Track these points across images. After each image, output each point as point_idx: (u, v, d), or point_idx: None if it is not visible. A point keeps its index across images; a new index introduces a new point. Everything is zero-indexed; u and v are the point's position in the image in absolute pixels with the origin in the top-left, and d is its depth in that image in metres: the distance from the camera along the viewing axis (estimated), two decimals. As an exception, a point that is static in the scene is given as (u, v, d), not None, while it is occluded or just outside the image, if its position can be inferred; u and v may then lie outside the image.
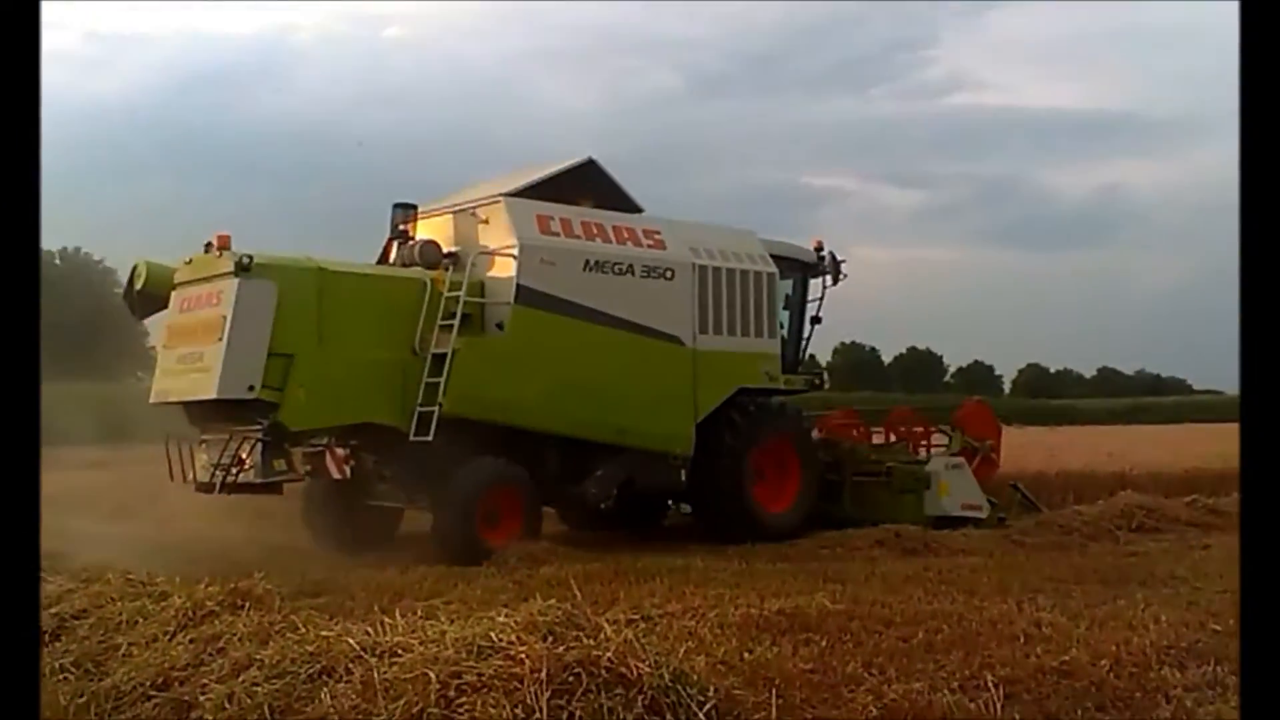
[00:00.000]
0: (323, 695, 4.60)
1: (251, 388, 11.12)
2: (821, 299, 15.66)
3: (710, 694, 4.22)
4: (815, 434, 15.80)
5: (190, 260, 12.20)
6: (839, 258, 15.52)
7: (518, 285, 12.34)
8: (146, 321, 13.47)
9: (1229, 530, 14.18)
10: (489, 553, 11.28)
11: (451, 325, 12.03)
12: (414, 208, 13.25)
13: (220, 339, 11.17)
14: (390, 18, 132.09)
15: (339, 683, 4.67)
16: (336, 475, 11.61)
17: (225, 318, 11.20)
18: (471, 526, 11.68)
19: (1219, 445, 21.90)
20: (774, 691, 5.22)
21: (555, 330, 12.61)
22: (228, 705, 4.84)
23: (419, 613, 5.60)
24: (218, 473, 11.38)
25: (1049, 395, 78.08)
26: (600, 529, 14.30)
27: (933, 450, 15.93)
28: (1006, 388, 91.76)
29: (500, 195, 12.93)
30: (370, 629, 5.05)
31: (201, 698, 5.06)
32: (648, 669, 4.18)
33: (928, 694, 5.77)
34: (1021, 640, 7.06)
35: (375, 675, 4.51)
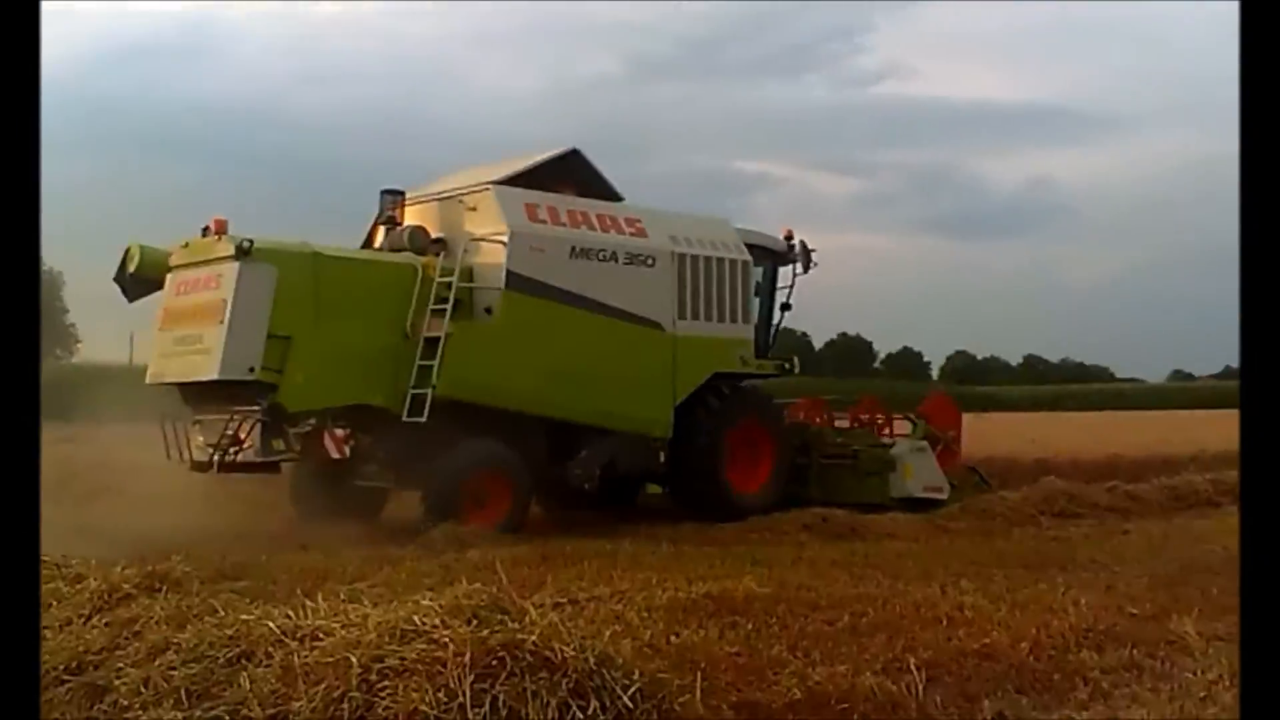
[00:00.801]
0: (241, 679, 4.53)
1: (252, 369, 11.42)
2: (792, 286, 16.10)
3: (635, 677, 4.22)
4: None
5: (187, 244, 12.45)
6: (810, 247, 15.97)
7: (508, 271, 12.70)
8: (137, 304, 13.38)
9: (1147, 515, 14.55)
10: (474, 525, 11.59)
11: (444, 310, 12.36)
12: (401, 194, 13.55)
13: (221, 321, 11.44)
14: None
15: (258, 667, 4.60)
16: (335, 455, 11.91)
17: (226, 301, 11.47)
18: (457, 508, 11.87)
19: (1139, 432, 22.43)
20: (699, 674, 5.25)
21: (543, 315, 12.99)
22: (144, 689, 4.75)
23: (342, 596, 5.54)
24: (214, 452, 11.70)
25: (976, 382, 79.26)
26: (577, 510, 14.41)
27: (895, 436, 16.31)
28: (935, 374, 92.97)
29: (489, 183, 13.29)
30: (291, 613, 4.97)
31: (117, 681, 4.96)
32: (573, 652, 4.17)
33: (851, 676, 5.82)
34: (944, 623, 7.16)
35: (295, 659, 4.45)
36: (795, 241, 15.96)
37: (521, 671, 4.07)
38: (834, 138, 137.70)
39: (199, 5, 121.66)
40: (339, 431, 11.95)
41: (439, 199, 13.67)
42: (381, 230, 13.55)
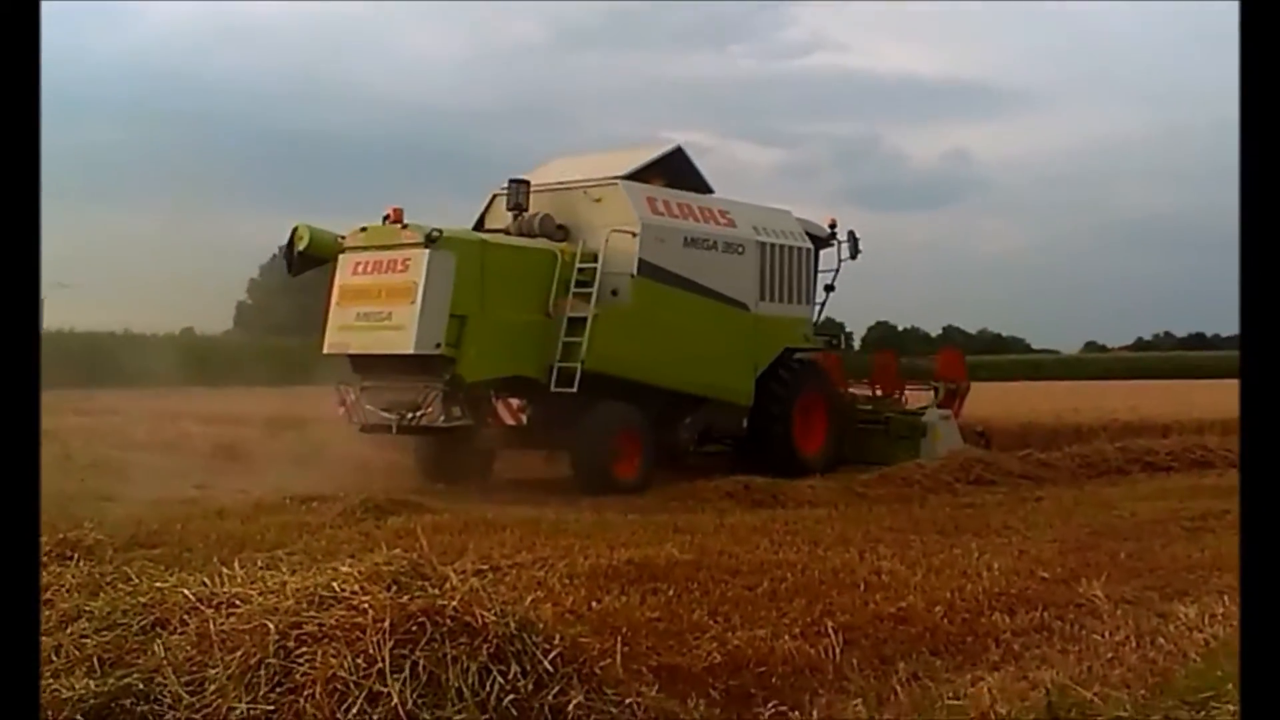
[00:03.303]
0: (156, 647, 4.45)
1: (438, 345, 12.91)
2: (837, 271, 17.58)
3: (556, 642, 4.22)
4: None
5: (364, 229, 13.96)
6: (856, 235, 17.51)
7: (639, 260, 14.31)
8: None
9: (1059, 483, 14.85)
10: (619, 484, 13.35)
11: (587, 293, 13.91)
12: (527, 183, 14.76)
13: (413, 302, 12.92)
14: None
15: (173, 634, 4.52)
16: (511, 422, 13.95)
17: (417, 284, 12.93)
18: (607, 462, 13.62)
19: (1052, 401, 22.86)
20: (620, 639, 5.26)
21: (663, 298, 14.69)
22: (55, 658, 4.64)
23: (260, 563, 5.46)
24: (396, 416, 13.21)
25: (897, 352, 80.00)
26: (672, 465, 15.28)
27: (913, 401, 18.27)
28: (857, 344, 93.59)
29: (616, 178, 14.80)
30: (207, 580, 4.89)
31: (27, 651, 4.86)
32: (493, 618, 4.16)
33: (770, 640, 5.90)
34: (861, 588, 7.28)
35: (211, 626, 4.37)
36: (838, 230, 17.46)
37: (441, 637, 4.05)
38: (759, 109, 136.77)
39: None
40: (514, 401, 13.75)
41: (562, 189, 15.03)
42: (509, 215, 14.68)
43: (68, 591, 5.38)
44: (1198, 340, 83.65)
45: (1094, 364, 66.58)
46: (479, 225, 15.13)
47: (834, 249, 17.51)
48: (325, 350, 14.00)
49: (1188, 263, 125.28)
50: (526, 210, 14.61)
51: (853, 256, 17.52)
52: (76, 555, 6.22)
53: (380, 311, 13.33)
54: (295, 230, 14.28)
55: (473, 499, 12.26)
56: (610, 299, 14.18)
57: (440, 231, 13.17)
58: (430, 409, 13.09)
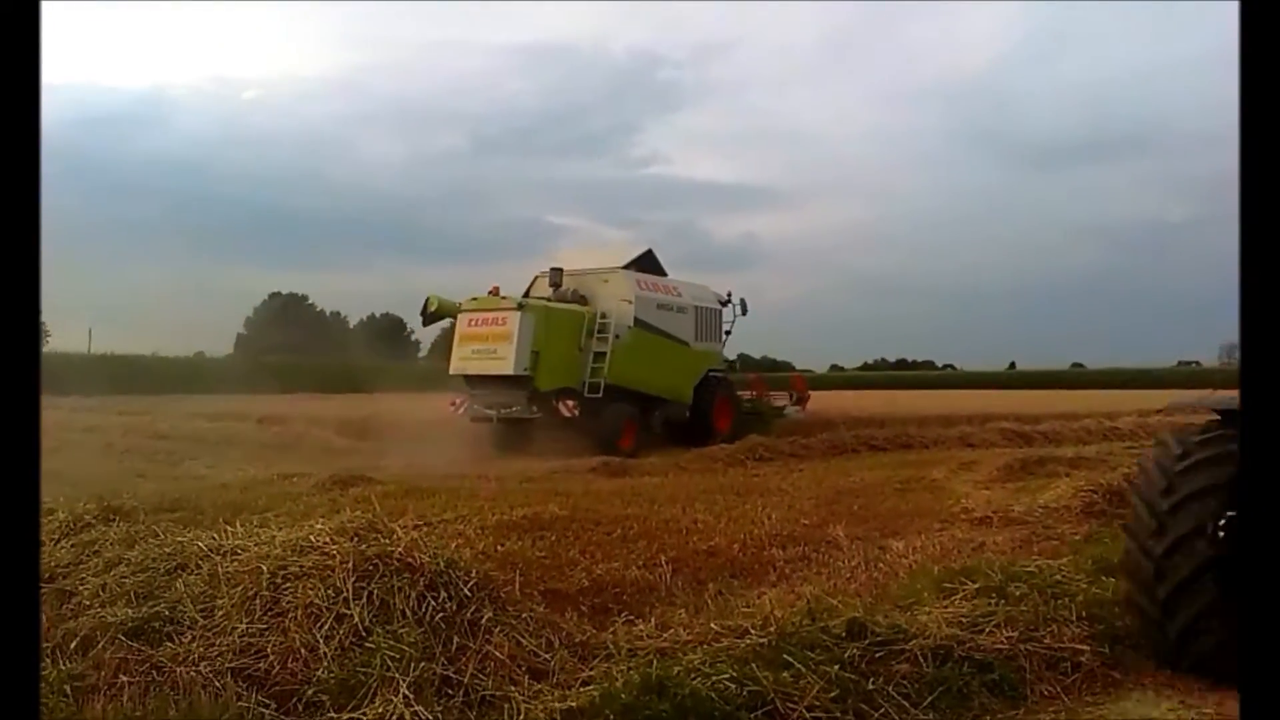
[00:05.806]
0: (178, 585, 4.24)
1: (525, 369, 15.18)
2: (733, 322, 19.16)
3: (473, 574, 4.16)
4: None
5: (474, 298, 16.11)
6: (745, 300, 19.25)
7: (635, 318, 16.72)
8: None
9: (814, 459, 15.06)
10: (623, 451, 14.71)
11: (604, 337, 16.24)
12: (561, 270, 17.02)
13: (510, 343, 15.17)
14: (248, 83, 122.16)
15: (191, 575, 4.32)
16: (566, 415, 15.32)
17: (513, 332, 15.21)
18: (616, 438, 15.37)
19: (809, 404, 23.38)
20: (518, 571, 5.21)
21: (646, 339, 16.89)
22: (101, 593, 4.40)
23: (254, 522, 5.24)
24: (495, 411, 15.27)
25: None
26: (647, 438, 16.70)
27: (776, 401, 20.45)
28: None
29: (619, 267, 17.34)
30: (216, 535, 4.68)
31: (80, 588, 4.57)
32: (428, 559, 4.07)
33: (622, 570, 5.92)
34: (684, 532, 7.34)
35: (219, 569, 4.20)
36: (733, 297, 19.15)
37: (390, 573, 3.95)
38: (615, 202, 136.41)
39: (155, 84, 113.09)
40: (569, 401, 15.37)
41: (584, 274, 17.17)
42: (549, 289, 16.79)
43: (111, 544, 5.09)
44: (901, 364, 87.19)
45: (837, 379, 68.56)
46: (526, 294, 16.77)
47: (731, 308, 19.09)
48: (451, 372, 15.95)
49: (894, 308, 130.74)
50: (561, 286, 16.79)
51: (743, 313, 19.04)
52: (117, 517, 5.86)
53: (489, 348, 15.45)
54: (428, 299, 16.14)
55: (413, 475, 11.92)
56: (616, 340, 16.27)
57: (524, 301, 15.60)
58: (519, 407, 15.21)
